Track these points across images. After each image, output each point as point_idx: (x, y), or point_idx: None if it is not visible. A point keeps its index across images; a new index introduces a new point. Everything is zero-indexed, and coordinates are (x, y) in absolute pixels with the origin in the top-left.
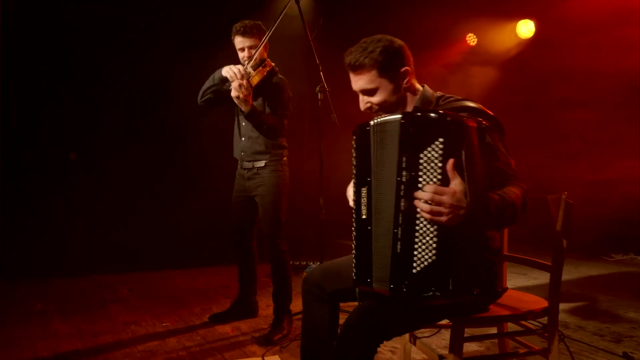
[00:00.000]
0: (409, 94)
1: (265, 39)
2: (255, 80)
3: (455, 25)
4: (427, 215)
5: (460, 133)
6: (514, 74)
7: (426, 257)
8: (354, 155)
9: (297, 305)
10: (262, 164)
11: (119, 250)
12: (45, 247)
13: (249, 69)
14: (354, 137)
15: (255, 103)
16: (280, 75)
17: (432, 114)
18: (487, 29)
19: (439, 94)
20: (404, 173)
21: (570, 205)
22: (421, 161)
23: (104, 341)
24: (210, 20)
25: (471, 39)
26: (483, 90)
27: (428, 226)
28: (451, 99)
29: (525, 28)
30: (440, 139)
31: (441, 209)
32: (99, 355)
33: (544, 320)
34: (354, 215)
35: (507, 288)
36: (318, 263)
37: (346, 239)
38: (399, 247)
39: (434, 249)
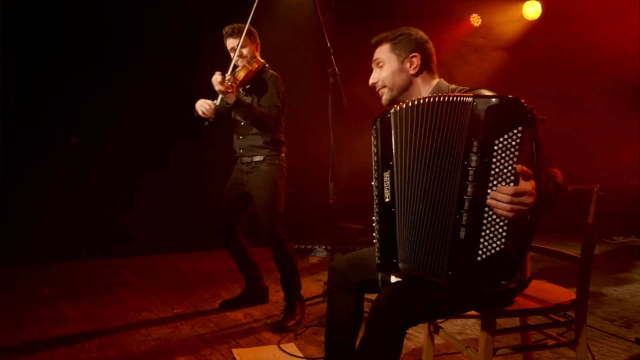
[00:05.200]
0: (419, 82)
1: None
2: (241, 74)
3: (460, 4)
4: (508, 214)
5: (533, 122)
6: (519, 55)
7: (494, 245)
8: (374, 142)
9: (306, 290)
10: (260, 158)
11: (121, 234)
12: (47, 230)
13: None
14: (374, 125)
15: (246, 99)
16: (271, 71)
17: (510, 101)
18: (493, 9)
19: (452, 86)
20: (473, 157)
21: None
22: (496, 147)
23: (117, 328)
24: None
25: (475, 20)
26: (487, 72)
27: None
28: (466, 89)
29: (532, 9)
30: (520, 127)
31: (520, 207)
32: (114, 343)
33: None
34: (375, 199)
35: (532, 277)
36: (324, 247)
37: (348, 222)
38: (462, 233)
39: (503, 237)
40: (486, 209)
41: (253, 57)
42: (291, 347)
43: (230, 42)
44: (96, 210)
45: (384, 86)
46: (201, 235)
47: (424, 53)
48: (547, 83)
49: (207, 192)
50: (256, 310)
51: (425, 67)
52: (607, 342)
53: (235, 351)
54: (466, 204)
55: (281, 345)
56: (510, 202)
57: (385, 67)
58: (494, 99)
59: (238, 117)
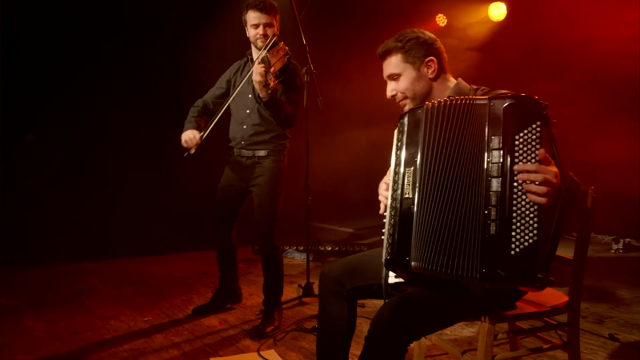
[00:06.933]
0: (436, 86)
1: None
2: (278, 66)
3: (425, 4)
4: (537, 196)
5: (548, 119)
6: (485, 57)
7: (526, 237)
8: (399, 137)
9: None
10: (263, 153)
11: (85, 237)
12: (9, 235)
13: (265, 54)
14: (401, 120)
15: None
16: (294, 62)
17: (526, 98)
18: (459, 9)
19: (474, 86)
20: (495, 154)
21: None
22: (517, 143)
23: (85, 340)
24: None
25: (441, 20)
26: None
27: (527, 206)
28: (487, 89)
29: (497, 10)
30: (538, 122)
31: (548, 188)
32: (84, 356)
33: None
34: (391, 195)
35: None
36: (295, 248)
37: (320, 222)
38: (493, 228)
39: (534, 228)
40: (514, 202)
41: (276, 41)
42: (272, 354)
43: (256, 17)
44: (63, 213)
45: (405, 97)
46: (174, 237)
47: (437, 54)
48: (527, 83)
49: (180, 193)
50: (231, 315)
51: (442, 69)
52: (582, 338)
53: None
54: (493, 198)
55: (261, 353)
56: (537, 171)
57: (403, 78)
58: (509, 98)
59: (243, 105)
